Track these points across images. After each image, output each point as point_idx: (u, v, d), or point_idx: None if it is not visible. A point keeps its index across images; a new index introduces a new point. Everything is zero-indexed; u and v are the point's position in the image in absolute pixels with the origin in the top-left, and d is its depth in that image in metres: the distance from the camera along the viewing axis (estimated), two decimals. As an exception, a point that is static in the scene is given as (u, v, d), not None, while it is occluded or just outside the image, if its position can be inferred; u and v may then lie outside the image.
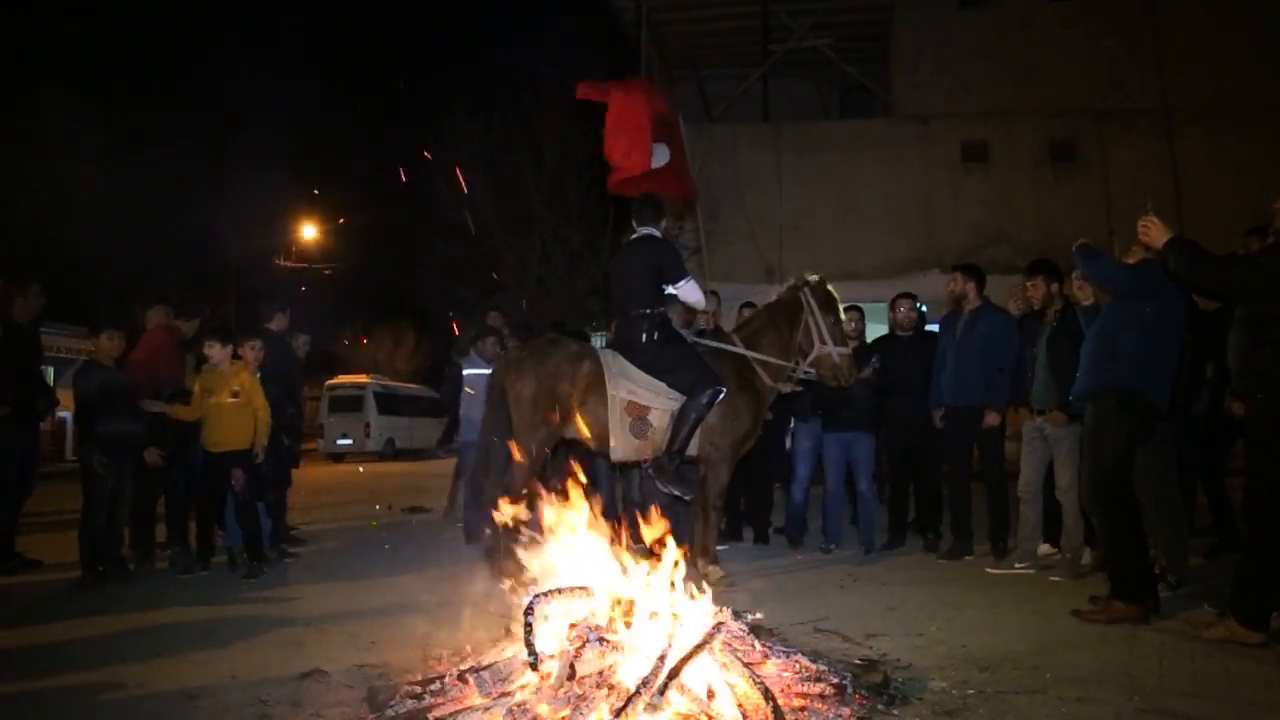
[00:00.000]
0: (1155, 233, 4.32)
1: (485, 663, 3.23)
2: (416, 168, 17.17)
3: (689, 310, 6.39)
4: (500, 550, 5.34)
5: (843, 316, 6.12)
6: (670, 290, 5.78)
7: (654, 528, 3.53)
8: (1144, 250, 4.74)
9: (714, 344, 6.04)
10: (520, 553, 3.56)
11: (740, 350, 5.95)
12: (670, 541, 3.40)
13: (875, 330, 8.18)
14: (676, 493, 5.72)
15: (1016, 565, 5.95)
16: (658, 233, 5.95)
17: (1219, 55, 15.68)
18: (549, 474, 5.37)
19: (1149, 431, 4.83)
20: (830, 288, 6.10)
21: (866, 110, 19.34)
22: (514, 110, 16.94)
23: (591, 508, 3.55)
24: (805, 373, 6.06)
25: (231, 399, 6.28)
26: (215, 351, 6.40)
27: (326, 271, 29.40)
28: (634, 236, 5.99)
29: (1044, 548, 6.25)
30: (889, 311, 7.39)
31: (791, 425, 7.54)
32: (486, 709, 2.93)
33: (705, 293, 6.24)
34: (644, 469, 5.87)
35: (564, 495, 3.59)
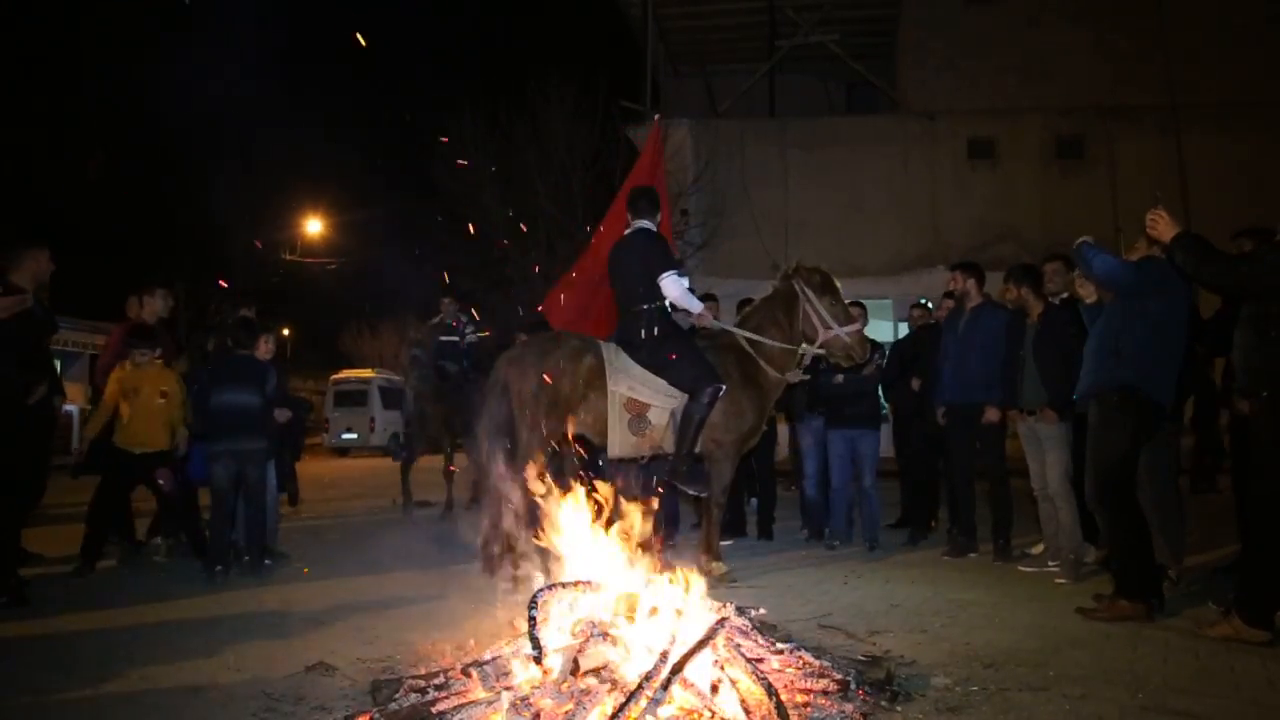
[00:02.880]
0: (1163, 227, 4.31)
1: (488, 657, 3.23)
2: (422, 162, 17.19)
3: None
4: (501, 545, 5.36)
5: (841, 295, 6.07)
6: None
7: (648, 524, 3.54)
8: (1147, 246, 4.72)
9: (725, 327, 6.02)
10: (524, 548, 3.57)
11: (745, 337, 5.92)
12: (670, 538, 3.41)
13: (877, 327, 8.21)
14: (693, 491, 5.72)
15: (1050, 564, 5.91)
16: (652, 226, 5.94)
17: (1226, 52, 15.63)
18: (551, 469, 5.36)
19: (1153, 431, 4.82)
20: (823, 269, 6.06)
21: (873, 106, 19.30)
22: (520, 105, 16.93)
23: (595, 502, 3.56)
24: (816, 353, 6.04)
25: (161, 400, 6.31)
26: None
27: (331, 266, 29.43)
28: (628, 231, 5.97)
29: (1038, 547, 6.26)
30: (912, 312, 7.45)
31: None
32: (490, 703, 2.94)
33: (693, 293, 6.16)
34: (641, 465, 5.86)
35: (568, 490, 3.60)
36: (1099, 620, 4.50)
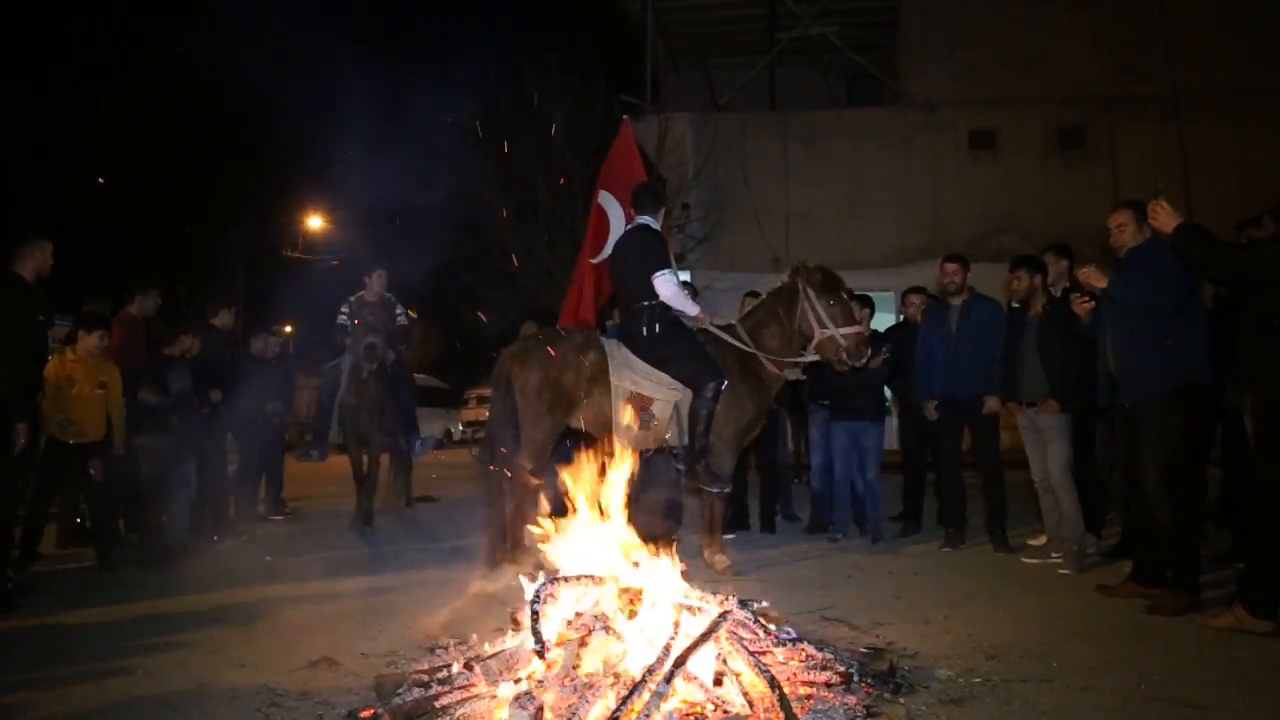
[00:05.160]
0: (1165, 217, 4.29)
1: (492, 651, 3.24)
2: (422, 156, 17.11)
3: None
4: (503, 539, 5.37)
5: (845, 296, 6.05)
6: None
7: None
8: (1135, 226, 4.69)
9: (719, 331, 6.02)
10: (527, 542, 3.57)
11: (738, 342, 5.92)
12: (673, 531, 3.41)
13: (884, 320, 8.18)
14: (714, 489, 5.72)
15: (1053, 555, 5.89)
16: (653, 222, 5.92)
17: (1228, 40, 15.54)
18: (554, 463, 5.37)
19: (1207, 413, 4.80)
20: (826, 269, 6.04)
21: (874, 98, 19.22)
22: (519, 98, 16.85)
23: (597, 497, 3.56)
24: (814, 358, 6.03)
25: (99, 390, 6.32)
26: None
27: (334, 262, 29.39)
28: (629, 226, 5.97)
29: (1040, 538, 6.25)
30: (899, 303, 7.41)
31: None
32: (493, 697, 2.94)
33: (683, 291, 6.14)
34: (645, 458, 5.86)
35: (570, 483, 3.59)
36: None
